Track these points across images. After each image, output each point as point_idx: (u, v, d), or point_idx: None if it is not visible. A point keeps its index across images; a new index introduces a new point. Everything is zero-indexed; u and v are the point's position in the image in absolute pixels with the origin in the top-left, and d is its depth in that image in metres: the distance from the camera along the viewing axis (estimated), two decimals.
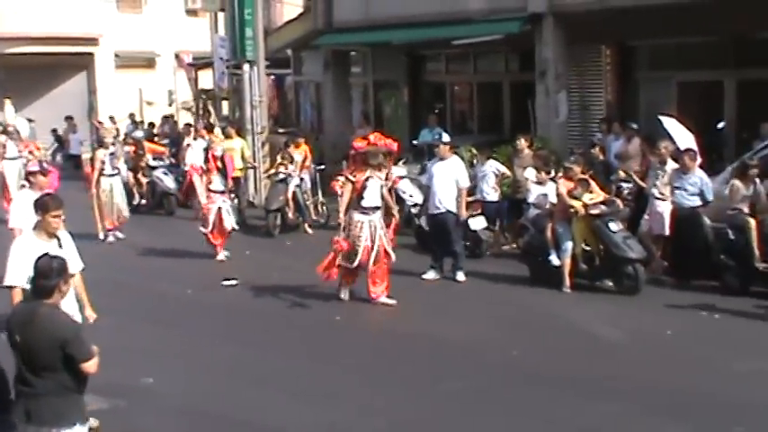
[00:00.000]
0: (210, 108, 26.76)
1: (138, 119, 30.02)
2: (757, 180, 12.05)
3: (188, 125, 23.39)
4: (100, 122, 26.71)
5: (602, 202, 12.35)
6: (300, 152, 18.09)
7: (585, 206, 12.16)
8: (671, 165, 12.80)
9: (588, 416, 7.97)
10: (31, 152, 15.96)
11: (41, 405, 5.54)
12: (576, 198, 12.23)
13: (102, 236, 16.43)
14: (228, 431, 7.97)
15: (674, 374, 9.01)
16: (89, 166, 17.28)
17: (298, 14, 27.16)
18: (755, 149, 13.36)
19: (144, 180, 20.33)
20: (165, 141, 23.59)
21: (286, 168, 17.44)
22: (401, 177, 16.43)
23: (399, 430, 7.95)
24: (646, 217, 13.25)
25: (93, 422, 6.64)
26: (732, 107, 17.43)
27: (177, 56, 34.18)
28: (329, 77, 24.94)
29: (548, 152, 15.30)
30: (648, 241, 12.83)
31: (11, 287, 6.98)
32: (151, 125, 27.51)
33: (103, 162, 16.56)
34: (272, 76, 31.25)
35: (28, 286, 6.61)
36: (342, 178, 12.01)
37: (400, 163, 17.25)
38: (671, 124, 13.61)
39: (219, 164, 14.92)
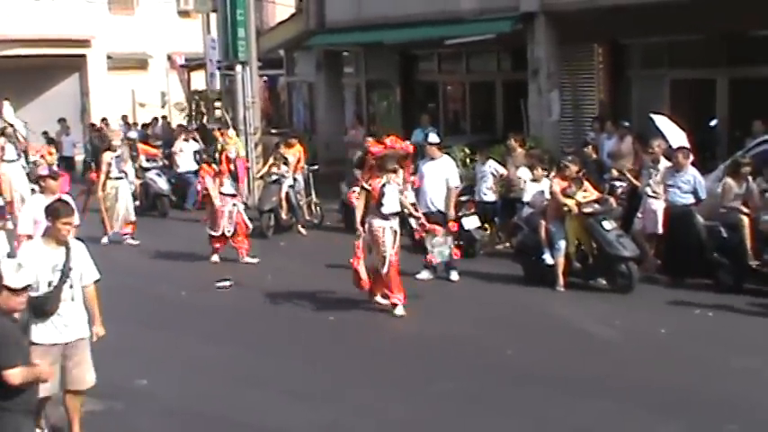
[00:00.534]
0: (223, 111, 26.34)
1: (130, 120, 29.96)
2: (750, 178, 12.08)
3: (181, 126, 23.39)
4: (107, 124, 26.49)
5: (596, 201, 12.38)
6: (293, 153, 18.07)
7: (579, 205, 12.18)
8: (664, 163, 12.82)
9: (582, 414, 7.98)
10: (42, 156, 15.78)
11: None
12: (569, 197, 12.25)
13: (105, 240, 16.24)
14: (224, 431, 7.97)
15: (667, 372, 9.02)
16: (94, 169, 16.99)
17: (290, 15, 27.15)
18: (747, 147, 13.39)
19: (137, 182, 20.28)
20: (159, 143, 23.54)
21: (279, 169, 17.42)
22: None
23: (393, 430, 7.94)
24: (639, 215, 13.27)
25: None
26: (724, 105, 17.47)
27: (170, 57, 34.15)
28: (322, 78, 24.94)
29: (540, 151, 15.32)
30: (642, 240, 12.85)
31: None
32: (144, 126, 27.49)
33: (110, 165, 16.38)
34: (265, 77, 31.23)
35: (32, 294, 6.55)
36: (358, 189, 11.87)
37: None
38: (663, 122, 13.63)
39: (232, 166, 14.76)
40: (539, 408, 8.20)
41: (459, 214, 13.91)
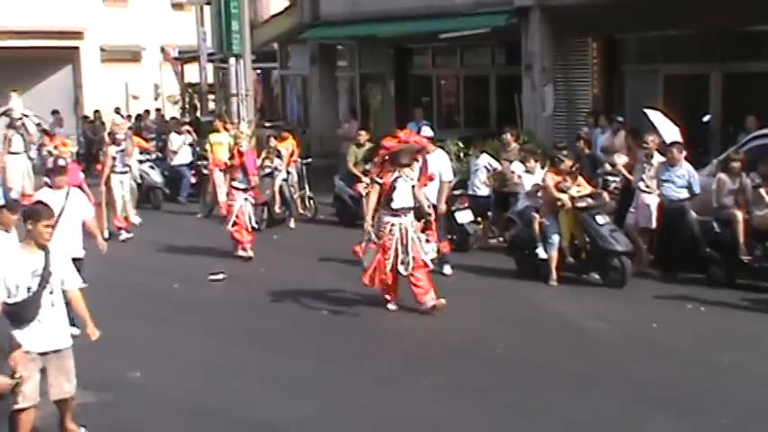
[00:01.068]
0: (222, 104, 26.02)
1: (124, 113, 29.90)
2: (743, 173, 12.11)
3: (174, 119, 23.34)
4: (145, 117, 26.32)
5: (589, 196, 12.39)
6: (286, 146, 18.05)
7: (572, 199, 12.19)
8: (657, 158, 12.83)
9: (574, 408, 7.99)
10: (56, 147, 15.57)
11: None
12: (563, 191, 12.26)
13: (106, 234, 15.74)
14: (215, 424, 7.95)
15: (659, 366, 9.04)
16: (100, 162, 16.73)
17: (284, 8, 27.08)
18: (741, 143, 13.41)
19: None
20: (152, 136, 23.50)
21: (272, 162, 17.40)
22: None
23: (384, 424, 7.94)
24: (632, 210, 13.28)
25: None
26: (718, 100, 17.50)
27: (163, 50, 34.08)
28: (316, 71, 24.90)
29: (534, 146, 15.33)
30: (635, 234, 12.86)
31: None
32: (138, 118, 27.44)
33: (114, 158, 16.19)
34: (258, 70, 31.18)
35: (9, 300, 6.48)
36: (367, 180, 11.69)
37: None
38: (657, 117, 13.63)
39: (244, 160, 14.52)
40: (531, 401, 8.22)
41: (453, 208, 13.90)
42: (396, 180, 10.89)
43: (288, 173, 17.77)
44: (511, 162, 14.76)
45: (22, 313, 6.63)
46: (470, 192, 14.95)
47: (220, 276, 13.24)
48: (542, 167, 13.32)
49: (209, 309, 11.81)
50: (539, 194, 12.81)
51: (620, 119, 16.11)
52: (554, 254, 12.30)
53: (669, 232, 12.51)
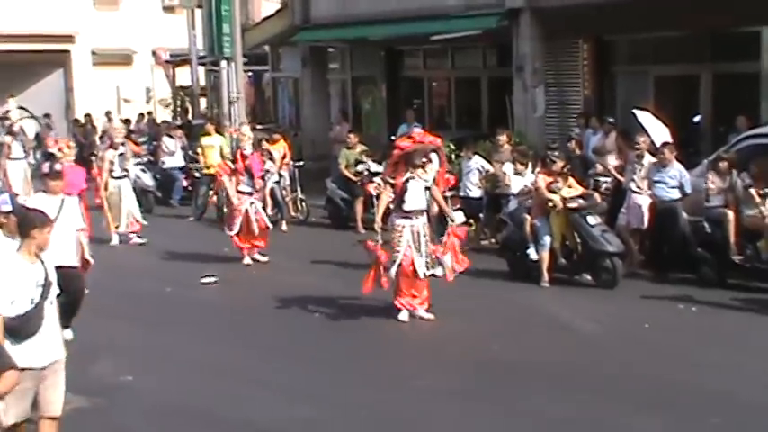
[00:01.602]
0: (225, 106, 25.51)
1: (115, 116, 29.89)
2: (734, 172, 12.15)
3: (165, 122, 23.32)
4: (109, 120, 26.26)
5: (581, 197, 12.41)
6: (278, 148, 18.05)
7: (564, 200, 12.22)
8: (648, 159, 12.87)
9: (566, 408, 8.00)
10: (60, 149, 15.33)
11: None
12: (554, 192, 12.28)
13: (115, 241, 15.88)
14: (208, 427, 7.95)
15: (651, 366, 9.06)
16: (97, 167, 16.53)
17: (275, 11, 27.12)
18: (731, 143, 13.45)
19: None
20: (143, 139, 23.49)
21: (264, 165, 17.37)
22: (378, 173, 16.48)
23: (379, 426, 7.94)
24: (623, 211, 13.31)
25: None
26: (708, 101, 17.55)
27: (154, 53, 34.04)
28: (307, 74, 24.92)
29: (525, 147, 15.36)
30: (626, 235, 12.89)
31: None
32: (127, 122, 27.40)
33: (112, 163, 15.99)
34: (250, 73, 31.18)
35: (11, 314, 6.16)
36: (378, 180, 11.40)
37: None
38: (646, 118, 13.67)
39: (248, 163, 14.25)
40: (523, 402, 8.23)
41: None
42: (408, 181, 10.61)
43: (280, 176, 17.76)
44: (503, 163, 14.79)
45: (25, 327, 6.29)
46: (462, 193, 14.98)
47: (212, 279, 13.23)
48: (533, 170, 13.35)
49: (202, 312, 11.80)
50: (528, 197, 12.85)
51: (612, 120, 16.15)
52: (545, 255, 12.32)
53: (660, 233, 12.55)
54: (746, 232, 11.79)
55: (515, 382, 8.80)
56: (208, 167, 18.74)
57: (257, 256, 14.39)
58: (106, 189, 15.92)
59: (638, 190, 12.90)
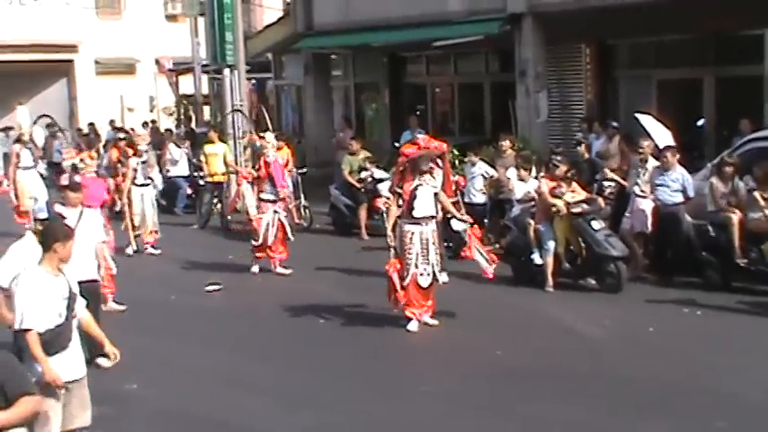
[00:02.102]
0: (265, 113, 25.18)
1: (118, 125, 29.92)
2: (736, 177, 12.13)
3: (169, 131, 23.36)
4: (132, 128, 26.11)
5: (584, 201, 12.40)
6: (281, 155, 18.01)
7: (568, 205, 12.21)
8: (652, 162, 12.86)
9: (571, 412, 8.00)
10: (82, 160, 15.05)
11: None
12: (558, 197, 12.27)
13: (131, 250, 15.65)
14: None
15: (656, 370, 9.05)
16: (120, 175, 16.32)
17: (277, 18, 27.18)
18: (735, 146, 13.44)
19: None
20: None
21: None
22: (382, 180, 16.49)
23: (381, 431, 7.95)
24: (627, 215, 13.30)
25: None
26: (711, 104, 17.55)
27: (158, 61, 34.15)
28: (310, 81, 24.93)
29: (530, 152, 15.35)
30: (630, 239, 12.87)
31: (26, 330, 6.13)
32: (132, 131, 27.40)
33: (135, 170, 15.77)
34: (253, 81, 31.23)
35: (41, 329, 6.08)
36: (384, 192, 11.23)
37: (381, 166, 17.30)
38: (648, 122, 13.67)
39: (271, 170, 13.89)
40: (527, 406, 8.22)
41: (448, 216, 13.89)
42: (417, 188, 10.55)
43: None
44: (506, 169, 14.78)
45: (56, 341, 6.20)
46: (466, 199, 14.96)
47: (217, 287, 13.23)
48: (537, 175, 13.34)
49: (206, 320, 11.81)
50: (532, 203, 12.85)
51: (615, 124, 16.14)
52: (550, 260, 12.31)
53: (664, 236, 12.53)
54: (751, 235, 11.76)
55: (520, 386, 8.79)
56: (211, 175, 18.75)
57: (280, 270, 14.02)
58: (129, 197, 15.67)
59: (641, 194, 12.88)
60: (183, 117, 31.95)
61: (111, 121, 30.11)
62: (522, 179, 13.54)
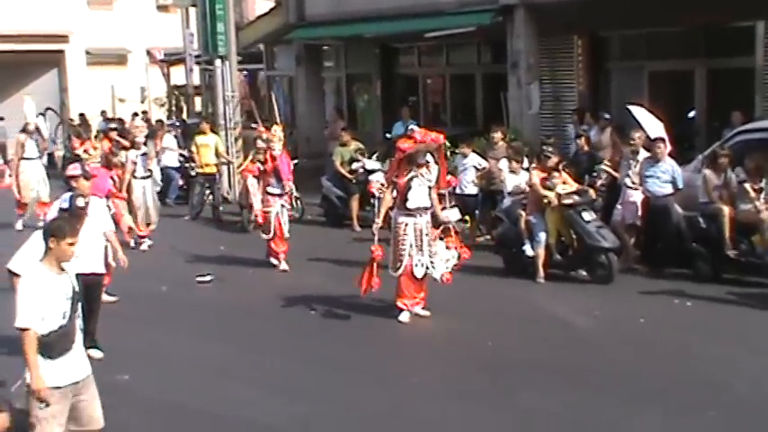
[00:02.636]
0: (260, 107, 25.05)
1: (110, 115, 29.86)
2: (729, 169, 12.17)
3: (160, 122, 23.31)
4: (131, 120, 25.97)
5: (575, 192, 12.42)
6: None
7: (559, 196, 12.23)
8: (643, 154, 12.88)
9: (562, 404, 8.02)
10: (86, 151, 14.69)
11: None
12: (549, 188, 12.29)
13: (133, 243, 15.35)
14: (204, 425, 7.96)
15: (646, 361, 9.08)
16: (120, 167, 16.07)
17: (269, 9, 27.08)
18: (725, 138, 13.47)
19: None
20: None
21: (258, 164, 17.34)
22: (374, 171, 16.50)
23: (372, 423, 7.95)
24: (618, 207, 13.33)
25: None
26: (703, 96, 17.59)
27: (149, 52, 34.05)
28: (302, 72, 24.89)
29: (521, 144, 15.36)
30: (621, 231, 12.90)
31: (23, 329, 5.95)
32: (121, 121, 27.33)
33: (135, 163, 15.46)
34: (245, 72, 31.15)
35: (44, 330, 5.95)
36: (379, 180, 11.18)
37: (374, 157, 17.29)
38: (640, 113, 13.69)
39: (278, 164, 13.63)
40: (519, 398, 8.25)
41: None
42: (411, 180, 10.59)
43: None
44: (498, 160, 14.80)
45: (61, 342, 6.05)
46: (458, 190, 14.95)
47: (208, 278, 13.23)
48: (527, 168, 13.36)
49: (197, 311, 11.81)
50: (523, 195, 12.87)
51: (607, 115, 16.17)
52: (541, 251, 12.33)
53: (654, 228, 12.57)
54: (741, 227, 11.81)
55: (511, 377, 8.81)
56: (203, 166, 18.71)
57: (284, 265, 13.84)
58: (129, 191, 15.40)
59: (633, 185, 12.91)
60: (174, 108, 31.85)
61: (103, 112, 30.03)
62: (513, 171, 13.55)
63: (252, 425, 7.91)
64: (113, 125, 20.36)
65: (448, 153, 16.35)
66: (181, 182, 20.63)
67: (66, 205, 7.36)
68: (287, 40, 24.79)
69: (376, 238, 10.73)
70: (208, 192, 18.89)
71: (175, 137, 21.38)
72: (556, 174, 12.47)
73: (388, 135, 20.96)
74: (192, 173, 19.53)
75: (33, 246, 7.43)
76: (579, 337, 10.13)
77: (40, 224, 13.66)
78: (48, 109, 20.12)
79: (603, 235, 12.15)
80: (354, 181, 16.92)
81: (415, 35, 21.56)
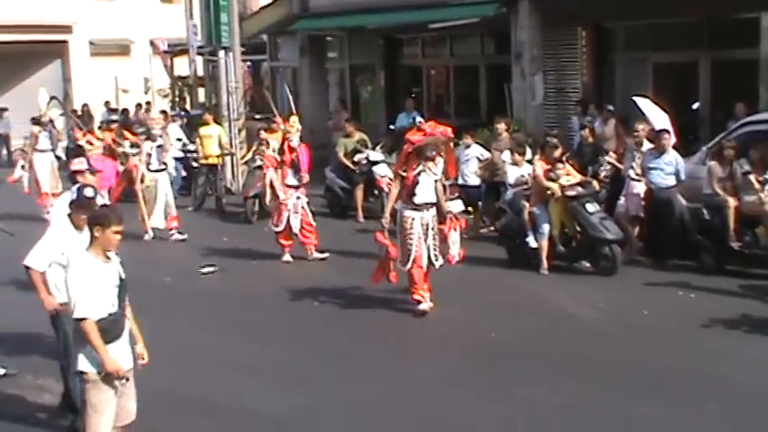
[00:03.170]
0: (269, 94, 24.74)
1: (113, 106, 29.87)
2: (733, 161, 12.13)
3: (163, 112, 23.31)
4: (147, 111, 25.92)
5: (579, 184, 12.40)
6: (276, 138, 17.97)
7: (562, 188, 12.21)
8: (647, 146, 12.85)
9: (565, 395, 8.03)
10: (89, 142, 14.54)
11: None
12: (552, 180, 12.27)
13: (147, 236, 15.38)
14: (207, 416, 7.97)
15: (650, 353, 9.08)
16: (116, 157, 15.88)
17: (272, 0, 27.03)
18: (730, 129, 13.44)
19: (121, 168, 20.17)
20: (141, 129, 23.42)
21: (263, 154, 17.35)
22: (377, 162, 16.50)
23: (374, 414, 7.96)
24: (622, 198, 13.31)
25: None
26: (707, 88, 17.54)
27: (152, 43, 33.97)
28: (305, 63, 24.88)
29: (524, 135, 15.34)
30: (625, 222, 12.88)
31: (83, 319, 5.98)
32: (125, 112, 27.35)
33: (149, 155, 15.42)
34: (248, 62, 31.11)
35: (97, 317, 5.95)
36: (387, 175, 11.10)
37: (377, 148, 17.27)
38: (646, 105, 13.65)
39: (294, 156, 13.54)
40: (522, 388, 8.25)
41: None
42: (419, 174, 10.52)
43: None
44: (501, 152, 14.77)
45: (112, 330, 6.10)
46: (461, 182, 14.94)
47: (211, 269, 13.24)
48: (529, 160, 13.35)
49: (201, 302, 11.82)
50: (525, 187, 12.85)
51: (610, 107, 16.13)
52: (544, 243, 12.32)
53: (658, 220, 12.54)
54: (745, 219, 11.79)
55: (514, 368, 8.81)
56: (206, 157, 18.70)
57: (317, 255, 13.70)
58: (142, 182, 15.34)
59: (637, 177, 12.88)
60: (177, 99, 31.82)
61: (107, 103, 30.02)
62: (515, 163, 13.53)
63: (253, 415, 7.92)
64: (114, 117, 20.37)
65: (451, 144, 16.40)
66: (184, 173, 20.62)
67: (74, 197, 7.34)
68: (290, 31, 24.77)
69: (386, 231, 10.70)
70: (211, 182, 18.89)
71: (180, 126, 21.41)
72: (560, 165, 12.47)
73: (391, 126, 20.95)
74: (195, 164, 19.51)
75: (49, 240, 7.41)
76: (583, 328, 10.13)
77: (46, 216, 13.73)
78: (52, 98, 20.14)
79: (607, 226, 12.13)
80: (358, 172, 16.90)
81: (418, 26, 21.52)
